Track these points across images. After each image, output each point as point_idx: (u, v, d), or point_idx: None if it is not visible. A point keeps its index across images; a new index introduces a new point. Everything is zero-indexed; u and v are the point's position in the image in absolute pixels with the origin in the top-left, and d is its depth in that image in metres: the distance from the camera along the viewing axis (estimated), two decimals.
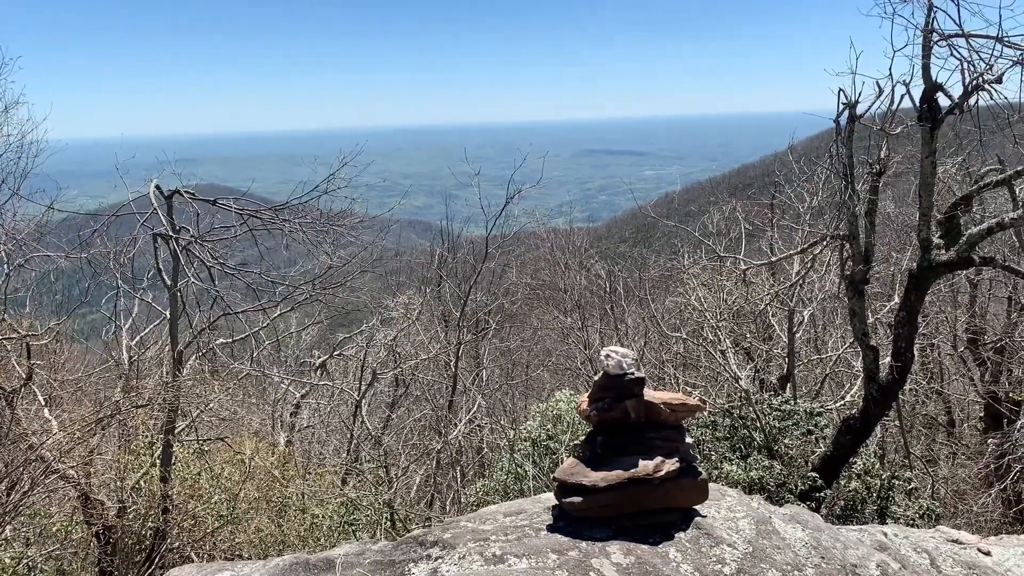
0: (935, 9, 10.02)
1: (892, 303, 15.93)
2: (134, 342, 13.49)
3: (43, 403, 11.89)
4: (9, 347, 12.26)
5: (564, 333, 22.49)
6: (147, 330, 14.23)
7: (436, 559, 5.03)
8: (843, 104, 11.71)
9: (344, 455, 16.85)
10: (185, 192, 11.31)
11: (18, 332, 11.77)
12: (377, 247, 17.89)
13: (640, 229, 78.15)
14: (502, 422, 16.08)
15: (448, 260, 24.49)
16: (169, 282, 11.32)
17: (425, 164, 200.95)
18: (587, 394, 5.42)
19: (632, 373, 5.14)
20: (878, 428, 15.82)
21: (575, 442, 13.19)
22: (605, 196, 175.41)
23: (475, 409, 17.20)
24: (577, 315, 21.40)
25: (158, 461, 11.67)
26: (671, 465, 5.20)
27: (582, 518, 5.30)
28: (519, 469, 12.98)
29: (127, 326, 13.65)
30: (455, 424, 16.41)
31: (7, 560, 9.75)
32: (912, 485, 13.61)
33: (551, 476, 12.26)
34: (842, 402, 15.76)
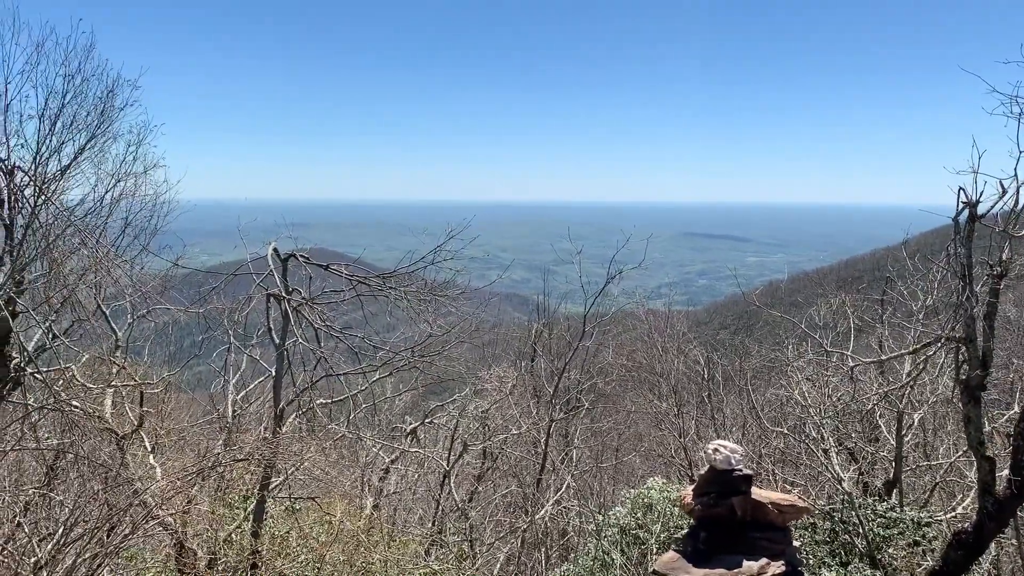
0: None
1: (1011, 412, 14.98)
2: (240, 396, 13.93)
3: (149, 449, 12.34)
4: (124, 394, 12.88)
5: (658, 418, 21.99)
6: (252, 385, 14.68)
7: None
8: (963, 203, 11.29)
9: (429, 525, 16.76)
10: (300, 256, 11.79)
11: (134, 380, 12.36)
12: (476, 318, 18.06)
13: (741, 317, 76.62)
14: (590, 505, 15.74)
15: (544, 335, 24.48)
16: (278, 340, 11.71)
17: (522, 238, 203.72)
18: (691, 487, 5.27)
19: (740, 469, 4.99)
20: (992, 545, 14.73)
21: (666, 533, 12.83)
22: (705, 280, 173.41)
23: (563, 489, 16.90)
24: (673, 401, 20.92)
25: (251, 516, 11.89)
26: (776, 568, 4.98)
27: None
28: (606, 556, 12.64)
29: (234, 380, 14.12)
30: (542, 503, 16.14)
31: None
32: None
33: (643, 568, 11.90)
34: (953, 514, 14.77)
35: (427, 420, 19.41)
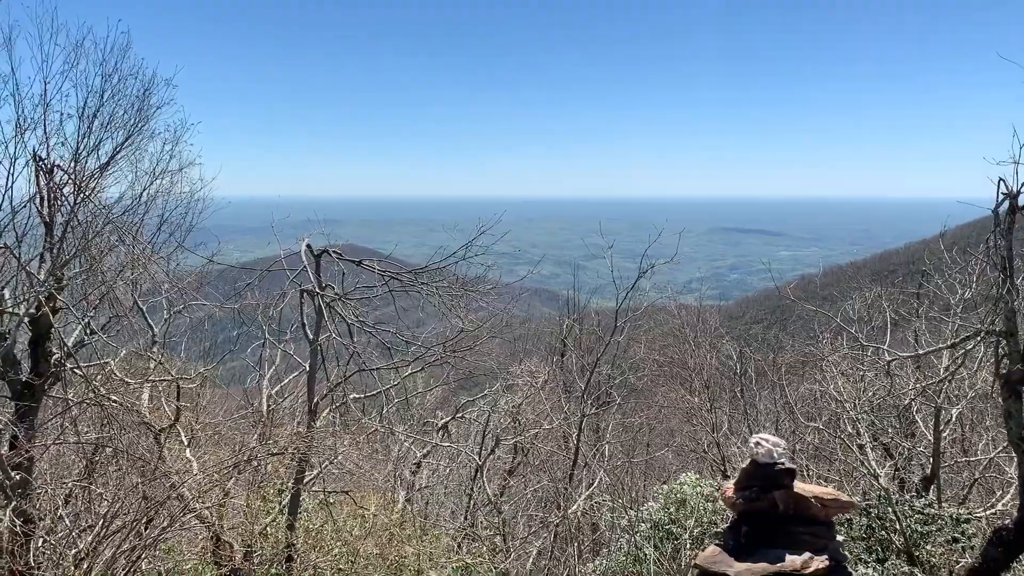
0: None
1: None
2: (274, 391, 14.05)
3: (185, 443, 12.48)
4: (161, 388, 13.04)
5: (690, 414, 21.82)
6: (286, 380, 14.81)
7: None
8: (1003, 194, 11.07)
9: (461, 519, 16.80)
10: (333, 252, 11.87)
11: (171, 375, 12.50)
12: (507, 313, 18.06)
13: (774, 311, 76.10)
14: (622, 501, 15.68)
15: (575, 330, 24.42)
16: (311, 336, 11.80)
17: (552, 234, 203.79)
18: (730, 481, 5.21)
19: (783, 463, 4.93)
20: None
21: (699, 529, 12.74)
22: (737, 275, 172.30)
23: (595, 484, 16.85)
24: (705, 396, 20.75)
25: (286, 509, 12.00)
26: (820, 563, 4.91)
27: None
28: (639, 551, 12.59)
29: (268, 375, 14.24)
30: (574, 498, 16.10)
31: None
32: None
33: (676, 563, 11.83)
34: (993, 510, 14.51)
35: (458, 415, 19.48)
